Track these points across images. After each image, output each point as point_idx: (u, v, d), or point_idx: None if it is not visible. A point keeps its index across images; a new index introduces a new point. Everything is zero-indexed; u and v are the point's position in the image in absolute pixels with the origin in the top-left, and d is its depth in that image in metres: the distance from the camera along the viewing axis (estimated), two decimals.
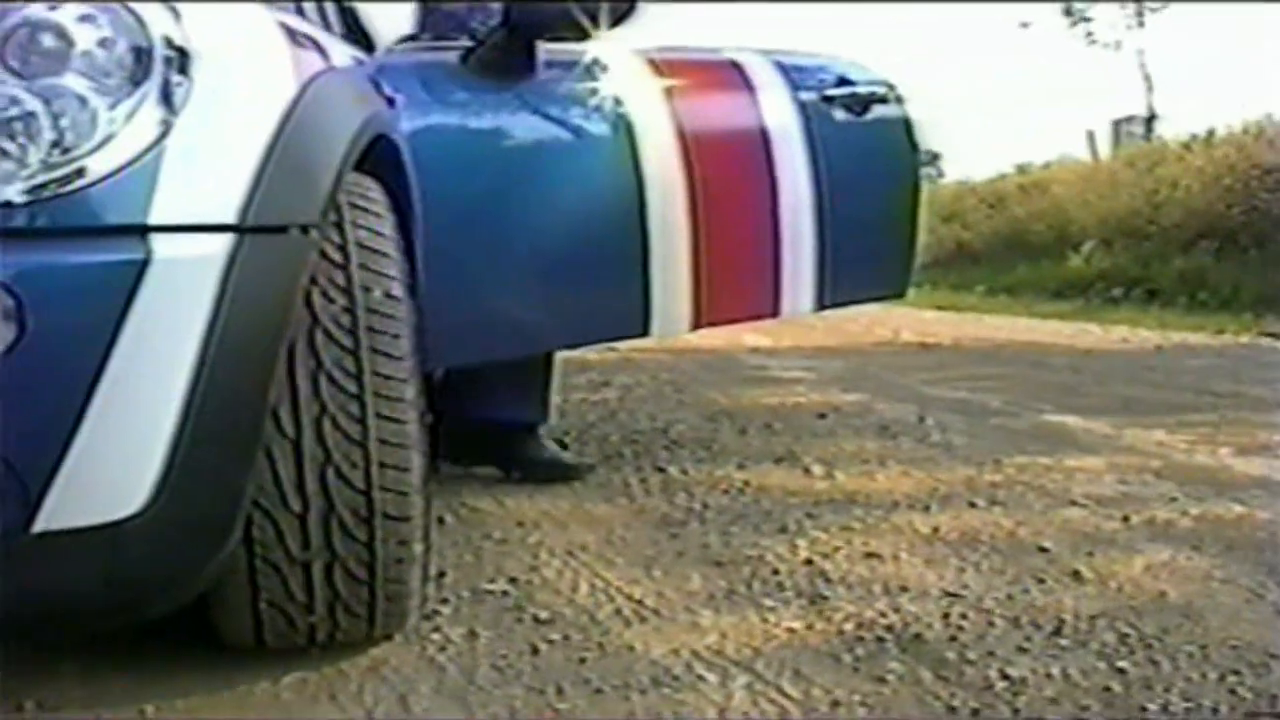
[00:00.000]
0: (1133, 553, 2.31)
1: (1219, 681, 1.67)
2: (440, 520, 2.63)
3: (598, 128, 2.72)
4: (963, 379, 5.33)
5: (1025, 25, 22.12)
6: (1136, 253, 12.66)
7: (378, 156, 1.83)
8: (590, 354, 6.66)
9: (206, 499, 1.42)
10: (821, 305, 3.09)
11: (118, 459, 1.35)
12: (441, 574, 2.20)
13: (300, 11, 2.43)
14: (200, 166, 1.40)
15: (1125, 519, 2.57)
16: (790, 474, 3.10)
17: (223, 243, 1.39)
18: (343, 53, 2.07)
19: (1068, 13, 19.11)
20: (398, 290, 1.64)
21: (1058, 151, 21.24)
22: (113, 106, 1.38)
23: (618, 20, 2.55)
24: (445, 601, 2.06)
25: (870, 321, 9.62)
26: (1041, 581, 2.12)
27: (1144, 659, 1.75)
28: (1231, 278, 10.81)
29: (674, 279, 2.79)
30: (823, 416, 4.09)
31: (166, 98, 1.41)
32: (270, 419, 1.50)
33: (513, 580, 2.19)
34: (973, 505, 2.71)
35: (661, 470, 3.15)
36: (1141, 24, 18.61)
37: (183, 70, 1.43)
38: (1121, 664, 1.73)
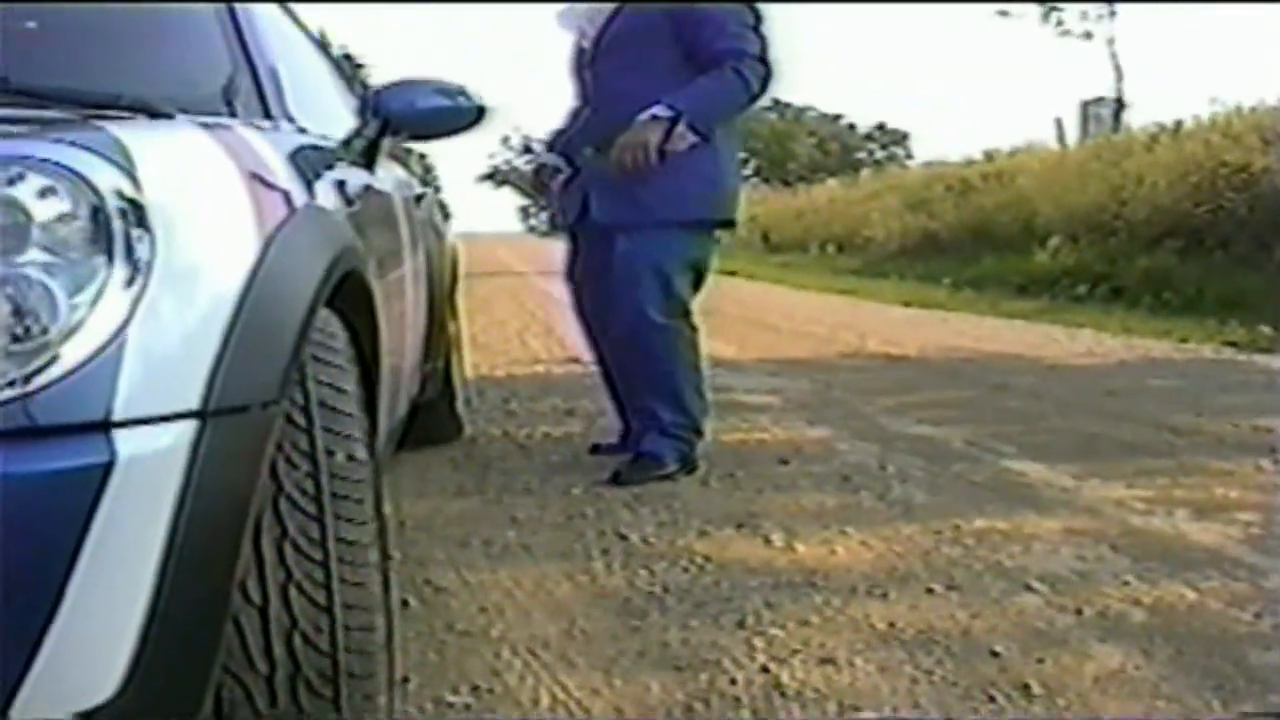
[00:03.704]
0: (1084, 657, 2.35)
1: None
2: (405, 603, 2.66)
3: None
4: (926, 406, 5.39)
5: (1004, 13, 22.13)
6: (1102, 249, 12.78)
7: (346, 292, 1.84)
8: (557, 368, 6.71)
9: (176, 679, 1.44)
10: None
11: (89, 653, 1.36)
12: (405, 679, 2.23)
13: (260, 95, 2.44)
14: (163, 350, 1.39)
15: (1078, 611, 2.61)
16: (751, 544, 3.14)
17: (187, 431, 1.39)
18: (305, 166, 2.06)
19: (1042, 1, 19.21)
20: (360, 452, 1.66)
21: (1026, 137, 21.36)
22: (75, 293, 1.37)
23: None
24: (409, 716, 2.09)
25: (836, 324, 9.70)
26: (992, 699, 2.16)
27: None
28: (1196, 278, 10.93)
29: None
30: (785, 462, 4.13)
31: (128, 279, 1.39)
32: (237, 588, 1.52)
33: (474, 689, 2.21)
34: (930, 591, 2.75)
35: (623, 537, 3.19)
36: (1113, 14, 18.69)
37: (144, 235, 1.41)
38: None
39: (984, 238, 15.24)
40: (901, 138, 45.92)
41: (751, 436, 4.63)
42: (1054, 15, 19.12)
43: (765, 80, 3.65)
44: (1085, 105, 25.05)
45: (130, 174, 1.45)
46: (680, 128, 3.57)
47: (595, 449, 4.24)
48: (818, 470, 4.00)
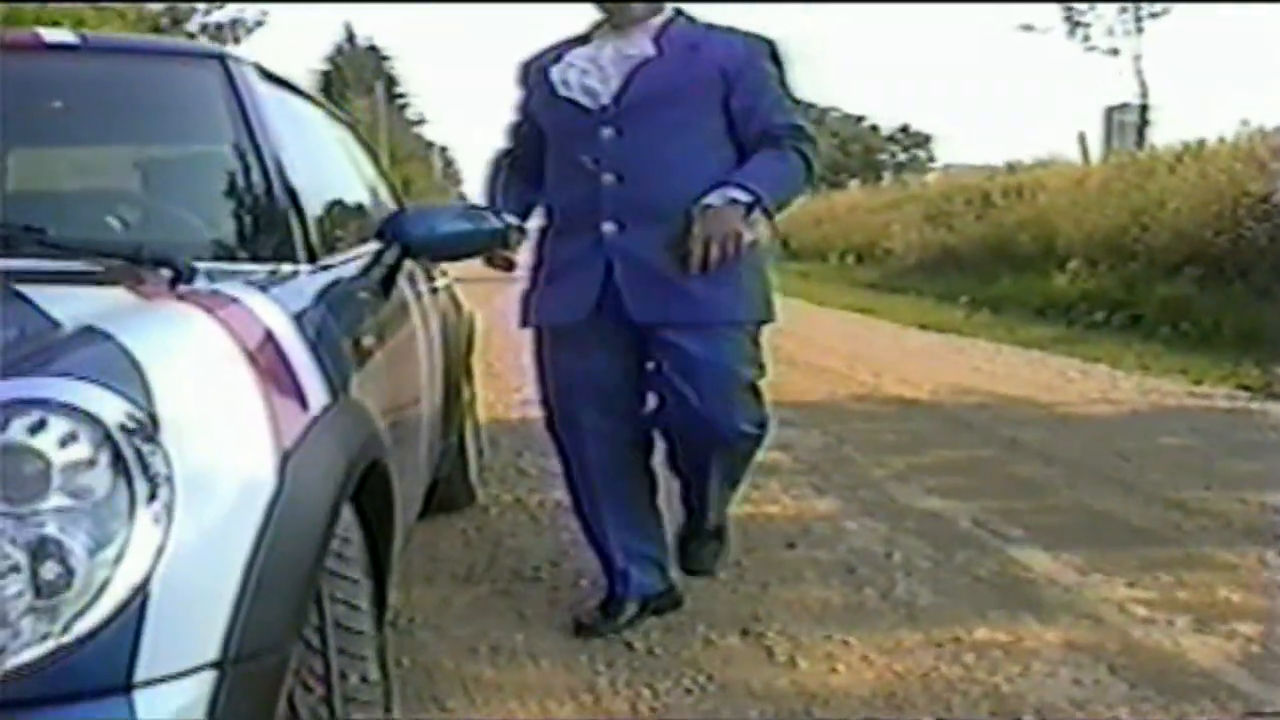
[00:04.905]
0: None
1: None
2: None
3: None
4: (936, 470, 5.43)
5: (1028, 28, 22.08)
6: (1121, 274, 12.77)
7: (367, 486, 1.89)
8: None
9: None
10: None
11: None
12: None
13: (275, 222, 2.46)
14: (183, 602, 1.41)
15: None
16: (754, 656, 3.18)
17: (206, 682, 1.42)
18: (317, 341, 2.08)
19: (1068, 18, 19.18)
20: (373, 673, 1.71)
21: (1050, 147, 21.39)
22: (97, 550, 1.39)
23: None
24: None
25: (852, 354, 9.73)
26: None
27: None
28: (1214, 309, 10.92)
29: None
30: (792, 546, 4.18)
31: (151, 521, 1.42)
32: None
33: None
34: None
35: (629, 645, 3.24)
36: (1140, 30, 18.66)
37: (164, 471, 1.44)
38: None
39: (1003, 256, 15.25)
40: (924, 140, 45.89)
41: (760, 510, 4.67)
42: (1080, 30, 19.18)
43: (818, 163, 3.30)
44: (1110, 111, 24.96)
45: (149, 410, 1.48)
46: (755, 214, 3.04)
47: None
48: (824, 558, 4.05)
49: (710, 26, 3.28)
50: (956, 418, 6.97)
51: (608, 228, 3.15)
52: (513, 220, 3.09)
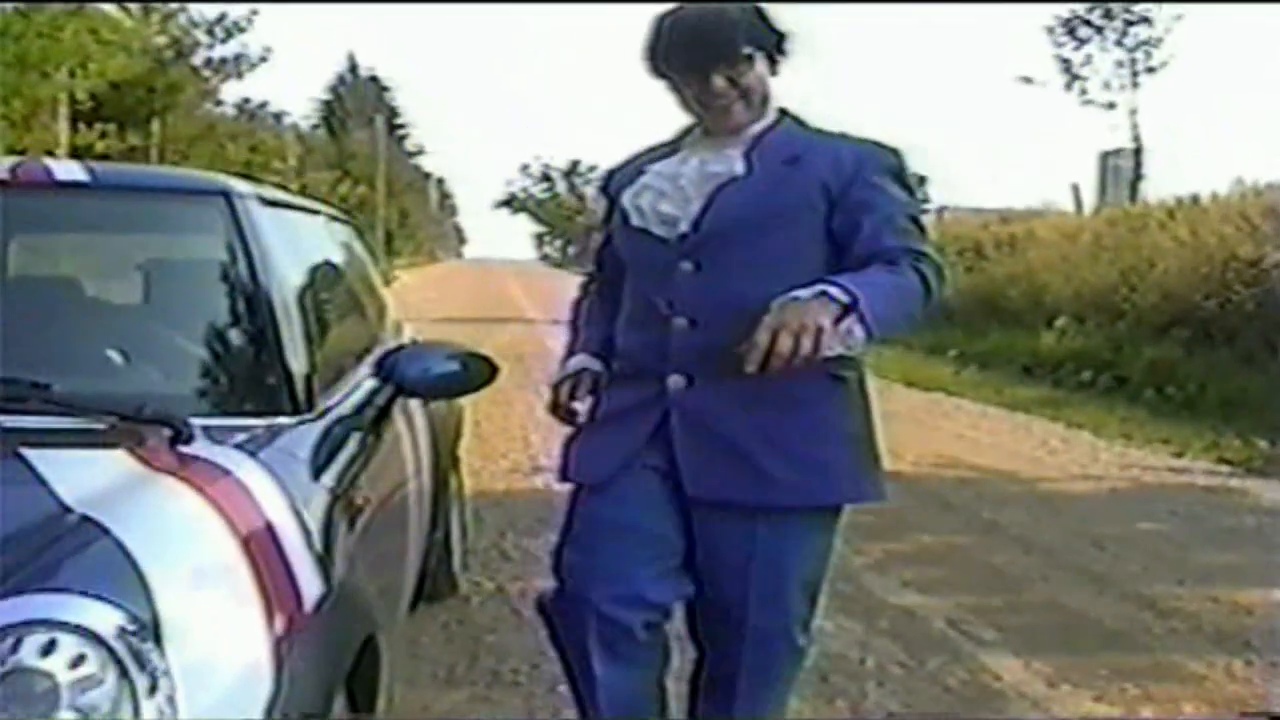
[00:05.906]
0: None
1: None
2: None
3: None
4: (914, 559, 5.52)
5: (1026, 80, 22.27)
6: (1109, 333, 12.90)
7: (360, 661, 1.99)
8: (556, 481, 6.81)
9: None
10: None
11: None
12: None
13: (275, 373, 2.52)
14: None
15: None
16: None
17: None
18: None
19: (1066, 70, 19.39)
20: None
21: (1044, 195, 21.54)
22: None
23: None
24: None
25: None
26: None
27: None
28: (1199, 374, 11.05)
29: None
30: None
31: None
32: None
33: None
34: None
35: None
36: (1136, 84, 18.87)
37: (166, 677, 1.55)
38: None
39: (993, 309, 15.40)
40: (920, 181, 46.07)
41: None
42: (1077, 84, 19.41)
43: (939, 292, 2.50)
44: (1105, 156, 25.08)
45: (151, 611, 1.60)
46: (849, 321, 2.26)
47: None
48: None
49: (820, 132, 2.66)
50: (937, 495, 7.06)
51: (674, 381, 2.54)
52: (589, 364, 2.72)
